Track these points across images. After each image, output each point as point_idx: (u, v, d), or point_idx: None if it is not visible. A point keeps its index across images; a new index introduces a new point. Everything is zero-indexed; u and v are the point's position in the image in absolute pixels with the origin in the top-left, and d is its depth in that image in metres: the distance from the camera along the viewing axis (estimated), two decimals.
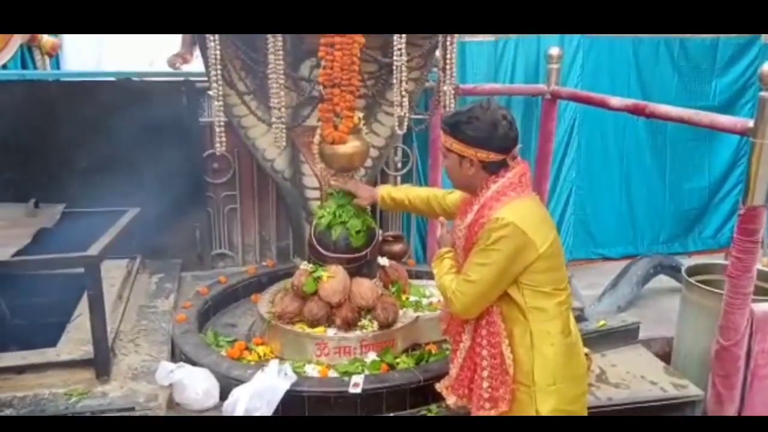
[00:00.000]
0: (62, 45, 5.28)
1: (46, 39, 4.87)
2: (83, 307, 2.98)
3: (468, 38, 4.48)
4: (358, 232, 3.09)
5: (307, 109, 3.28)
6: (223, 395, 2.77)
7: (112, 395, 2.69)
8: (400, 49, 2.96)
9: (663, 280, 4.73)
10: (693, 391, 3.07)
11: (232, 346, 3.20)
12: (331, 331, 3.08)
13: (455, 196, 2.61)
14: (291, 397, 2.71)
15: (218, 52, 2.92)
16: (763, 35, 5.03)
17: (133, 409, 2.61)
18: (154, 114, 3.83)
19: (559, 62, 4.20)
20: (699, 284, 3.28)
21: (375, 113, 3.78)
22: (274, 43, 2.89)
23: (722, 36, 4.98)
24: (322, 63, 2.93)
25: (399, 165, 4.55)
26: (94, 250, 2.75)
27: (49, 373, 2.75)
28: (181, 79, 4.07)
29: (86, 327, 2.78)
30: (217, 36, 2.89)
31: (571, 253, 5.03)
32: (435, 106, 3.49)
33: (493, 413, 2.21)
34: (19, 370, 2.73)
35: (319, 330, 3.07)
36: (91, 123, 3.79)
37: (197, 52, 4.12)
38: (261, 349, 3.14)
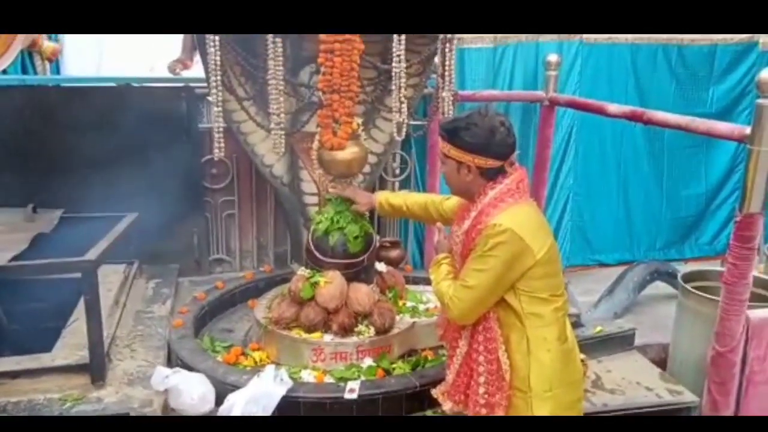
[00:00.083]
0: (62, 50, 5.28)
1: (47, 44, 4.87)
2: (79, 312, 2.98)
3: (467, 44, 4.50)
4: (355, 237, 3.10)
5: (306, 114, 3.29)
6: (219, 401, 2.76)
7: (107, 400, 2.68)
8: (399, 56, 2.97)
9: (659, 287, 4.74)
10: (688, 397, 3.07)
11: (228, 352, 3.20)
12: (327, 337, 3.08)
13: (453, 202, 2.62)
14: (287, 403, 2.70)
15: (218, 57, 2.93)
16: (760, 43, 5.05)
17: (128, 414, 2.60)
18: (153, 119, 3.85)
19: (557, 69, 4.22)
20: (695, 291, 3.29)
21: (374, 119, 3.79)
22: (274, 48, 2.90)
23: (720, 43, 5.00)
24: (322, 69, 2.94)
25: (397, 171, 4.56)
26: (91, 255, 2.75)
27: (44, 378, 2.73)
28: (181, 84, 4.08)
29: (82, 332, 2.77)
30: (217, 42, 2.89)
31: (568, 260, 5.04)
32: (433, 112, 3.50)
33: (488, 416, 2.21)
34: (14, 375, 2.71)
35: (315, 335, 3.07)
36: (91, 128, 3.79)
37: (197, 58, 4.14)
38: (257, 355, 3.14)
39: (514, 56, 4.68)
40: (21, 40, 4.13)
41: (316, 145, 3.12)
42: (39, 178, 3.76)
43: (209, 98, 3.10)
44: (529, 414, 2.15)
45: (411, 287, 3.66)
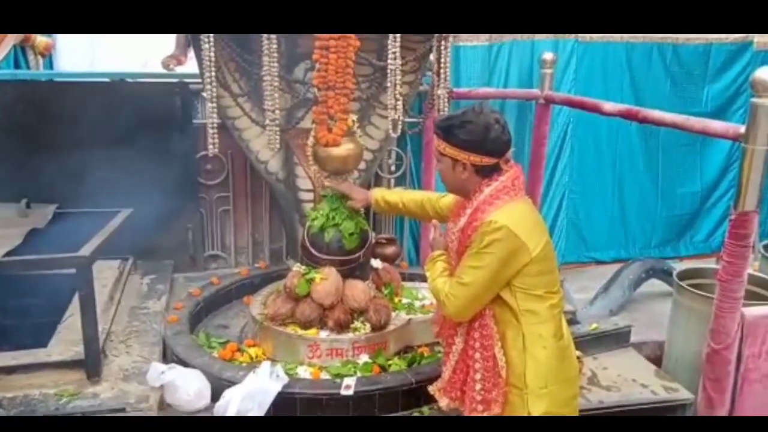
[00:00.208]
0: (55, 45, 5.26)
1: (40, 39, 4.85)
2: (74, 307, 2.97)
3: (462, 42, 4.50)
4: (351, 234, 3.10)
5: (302, 111, 3.28)
6: (215, 396, 2.76)
7: (103, 396, 2.68)
8: (394, 53, 2.97)
9: (655, 284, 4.75)
10: (684, 394, 3.08)
11: (224, 348, 3.20)
12: (323, 333, 3.09)
13: (449, 199, 2.62)
14: (283, 399, 2.70)
15: (212, 53, 2.92)
16: (754, 42, 5.07)
17: (123, 410, 2.60)
18: (147, 115, 3.83)
19: (552, 67, 4.22)
20: (690, 288, 3.30)
21: (369, 116, 3.78)
22: (269, 45, 2.89)
23: (714, 42, 5.02)
24: (317, 65, 2.94)
25: (393, 168, 4.56)
26: (85, 250, 2.74)
27: (39, 373, 2.73)
28: (175, 80, 4.06)
29: (77, 328, 2.76)
30: (211, 38, 2.89)
31: (563, 257, 5.05)
32: (429, 109, 3.50)
33: (485, 416, 2.21)
34: (9, 370, 2.71)
35: (311, 332, 3.07)
36: (84, 123, 3.77)
37: (191, 54, 4.11)
38: (253, 351, 3.14)
39: (509, 54, 4.69)
40: (14, 35, 4.11)
41: (311, 141, 3.11)
42: (33, 174, 3.75)
43: (204, 94, 3.09)
44: (525, 411, 2.15)
45: (407, 284, 3.67)
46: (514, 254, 2.10)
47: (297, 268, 3.19)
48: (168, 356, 3.11)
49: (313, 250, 3.12)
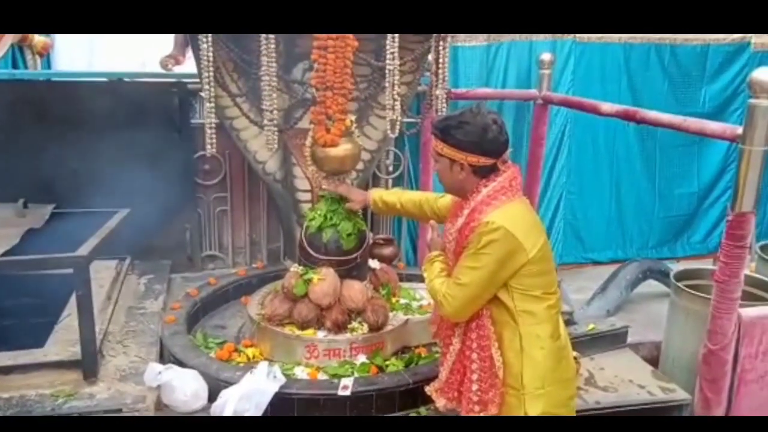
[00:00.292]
0: (53, 45, 5.26)
1: (38, 39, 4.84)
2: (71, 307, 2.97)
3: (460, 42, 4.50)
4: (348, 234, 3.10)
5: (300, 111, 3.28)
6: (212, 397, 2.76)
7: (100, 396, 2.67)
8: (392, 53, 2.97)
9: (652, 285, 4.76)
10: (680, 395, 3.08)
11: (221, 348, 3.19)
12: (320, 334, 3.08)
13: (446, 200, 2.62)
14: (280, 400, 2.70)
15: (210, 53, 2.92)
16: (752, 43, 5.07)
17: (120, 410, 2.60)
18: (145, 115, 3.83)
19: (550, 67, 4.22)
20: (687, 289, 3.30)
21: (367, 116, 3.79)
22: (267, 45, 2.89)
23: (712, 43, 5.03)
24: (315, 66, 2.94)
25: (390, 168, 4.56)
26: (83, 250, 2.74)
27: (36, 373, 2.73)
28: (173, 80, 4.07)
29: (74, 328, 2.76)
30: (209, 37, 2.89)
31: (560, 257, 5.06)
32: (427, 109, 3.50)
33: (482, 416, 2.21)
34: (6, 370, 2.71)
35: (308, 332, 3.07)
36: (82, 123, 3.77)
37: (190, 54, 4.11)
38: (250, 351, 3.13)
39: (507, 54, 4.69)
40: (11, 35, 4.11)
41: (309, 141, 3.11)
42: (30, 173, 3.74)
43: (202, 94, 3.09)
44: (522, 411, 2.15)
45: (404, 284, 3.67)
46: (511, 255, 2.10)
47: (294, 268, 3.19)
48: (165, 356, 3.10)
49: (310, 251, 3.12)
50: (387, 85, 3.05)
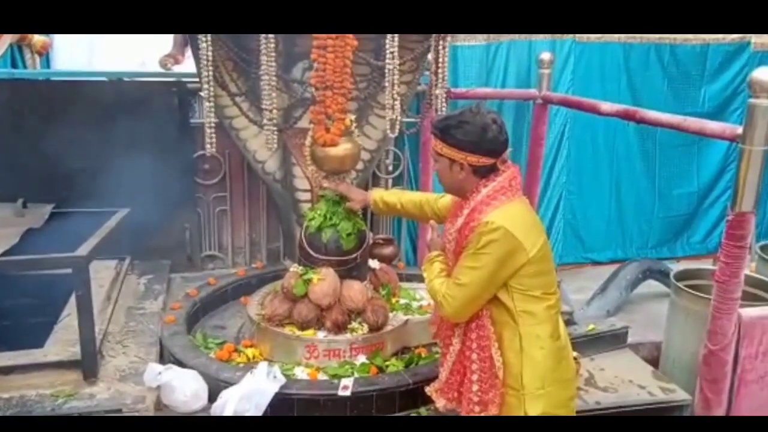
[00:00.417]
0: (53, 44, 5.25)
1: (37, 38, 4.84)
2: (71, 307, 2.97)
3: (460, 42, 4.50)
4: (348, 234, 3.09)
5: (299, 111, 3.28)
6: (212, 397, 2.75)
7: (99, 397, 2.67)
8: (392, 53, 2.97)
9: (652, 285, 4.76)
10: (681, 395, 3.08)
11: (221, 348, 3.19)
12: (320, 334, 3.08)
13: (446, 200, 2.61)
14: (280, 400, 2.70)
15: (210, 53, 2.92)
16: (752, 43, 5.07)
17: (120, 410, 2.59)
18: (145, 114, 3.83)
19: (550, 67, 4.22)
20: (687, 289, 3.30)
21: (367, 116, 3.78)
22: (267, 44, 2.89)
23: (712, 43, 5.03)
24: (315, 65, 2.94)
25: (390, 168, 4.56)
26: (82, 250, 2.74)
27: (35, 374, 2.73)
28: (173, 79, 4.07)
29: (74, 328, 2.76)
30: (208, 37, 2.88)
31: (560, 258, 5.05)
32: (426, 109, 3.50)
33: (482, 416, 2.21)
34: (6, 370, 2.70)
35: (308, 332, 3.07)
36: (81, 123, 3.76)
37: (189, 53, 4.11)
38: (250, 352, 3.13)
39: (507, 54, 4.69)
40: (11, 34, 4.11)
41: (308, 141, 3.11)
42: (29, 173, 3.74)
43: (201, 93, 3.09)
44: (522, 411, 2.15)
45: (404, 284, 3.66)
46: (511, 255, 2.10)
47: (294, 268, 3.18)
48: (165, 357, 3.10)
49: (310, 251, 3.11)
50: (387, 84, 3.05)
